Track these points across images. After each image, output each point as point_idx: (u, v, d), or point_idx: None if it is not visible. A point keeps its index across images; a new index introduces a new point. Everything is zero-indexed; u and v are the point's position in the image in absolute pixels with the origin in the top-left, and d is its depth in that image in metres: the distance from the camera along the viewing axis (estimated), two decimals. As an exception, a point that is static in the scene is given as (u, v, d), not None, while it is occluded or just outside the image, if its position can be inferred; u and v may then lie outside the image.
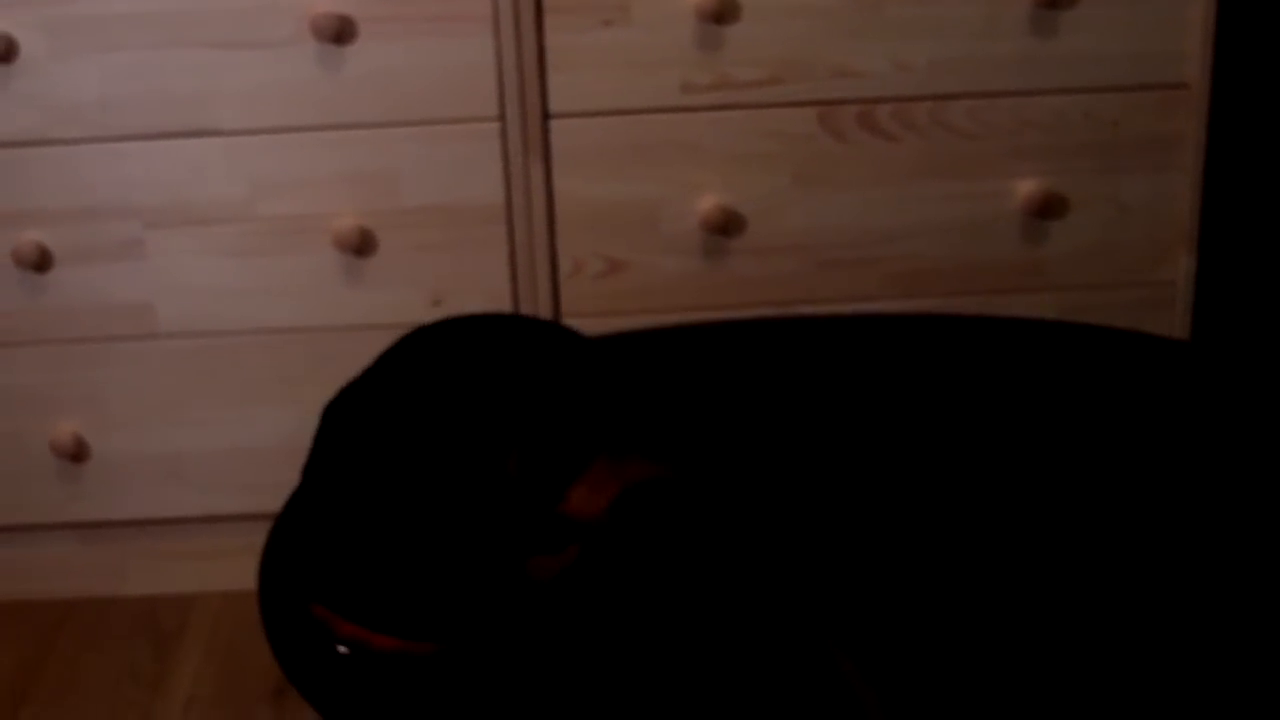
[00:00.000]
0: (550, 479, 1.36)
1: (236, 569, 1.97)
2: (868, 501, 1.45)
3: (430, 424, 1.36)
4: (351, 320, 2.08)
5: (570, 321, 2.08)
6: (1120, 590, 1.35)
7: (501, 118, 2.02)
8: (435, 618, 1.33)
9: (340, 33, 1.97)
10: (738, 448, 1.50)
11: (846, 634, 1.30)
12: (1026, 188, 2.06)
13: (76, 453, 2.12)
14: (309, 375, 2.09)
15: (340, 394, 1.43)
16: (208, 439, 2.13)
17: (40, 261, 2.05)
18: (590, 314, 2.08)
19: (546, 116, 2.02)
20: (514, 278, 2.07)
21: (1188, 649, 1.29)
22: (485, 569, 1.32)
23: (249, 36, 1.98)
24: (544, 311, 2.08)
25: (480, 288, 2.07)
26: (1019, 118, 2.04)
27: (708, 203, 2.05)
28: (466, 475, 1.34)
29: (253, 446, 2.12)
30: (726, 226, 2.05)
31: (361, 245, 2.05)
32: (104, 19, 1.97)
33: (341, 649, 1.32)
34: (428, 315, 2.05)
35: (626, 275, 2.08)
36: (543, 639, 1.32)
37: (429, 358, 1.43)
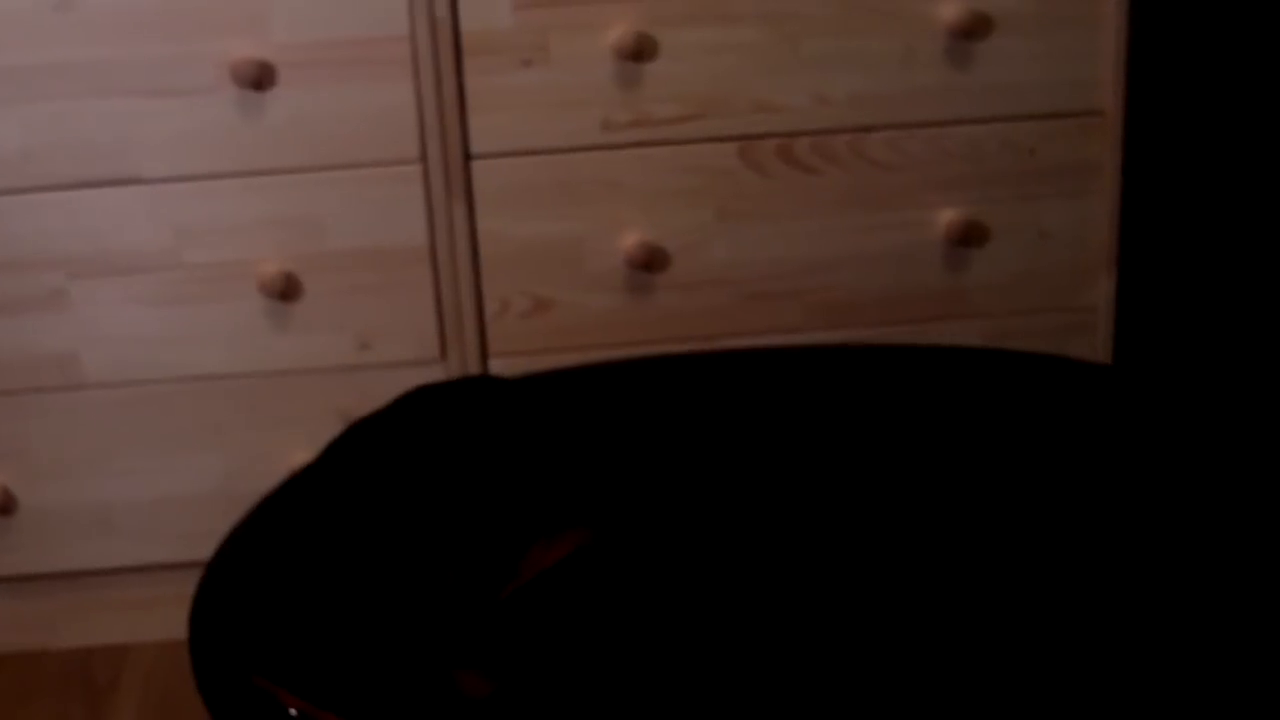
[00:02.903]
0: (488, 582, 1.36)
1: (169, 618, 1.96)
2: (797, 535, 1.45)
3: (369, 530, 1.36)
4: (279, 365, 2.08)
5: (498, 361, 2.08)
6: (1047, 617, 1.36)
7: (423, 159, 2.02)
8: (381, 700, 1.32)
9: (260, 79, 1.97)
10: (665, 489, 1.51)
11: (769, 684, 1.31)
12: (947, 217, 2.08)
13: (4, 505, 2.11)
14: (238, 421, 2.08)
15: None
16: (137, 488, 2.12)
17: (-37, 315, 2.04)
18: (518, 353, 2.08)
19: (468, 157, 2.03)
20: (440, 318, 2.08)
21: (1119, 678, 1.30)
22: (428, 664, 1.32)
23: (169, 85, 1.98)
24: (471, 351, 2.08)
25: (407, 330, 2.07)
26: (937, 148, 2.06)
27: (631, 239, 2.06)
28: (409, 581, 1.34)
29: (183, 494, 2.11)
30: (650, 262, 2.06)
31: (287, 290, 2.05)
32: (22, 70, 1.97)
33: (293, 712, 1.32)
34: (354, 359, 2.06)
35: (553, 314, 2.08)
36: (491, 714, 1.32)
37: (360, 463, 1.42)
